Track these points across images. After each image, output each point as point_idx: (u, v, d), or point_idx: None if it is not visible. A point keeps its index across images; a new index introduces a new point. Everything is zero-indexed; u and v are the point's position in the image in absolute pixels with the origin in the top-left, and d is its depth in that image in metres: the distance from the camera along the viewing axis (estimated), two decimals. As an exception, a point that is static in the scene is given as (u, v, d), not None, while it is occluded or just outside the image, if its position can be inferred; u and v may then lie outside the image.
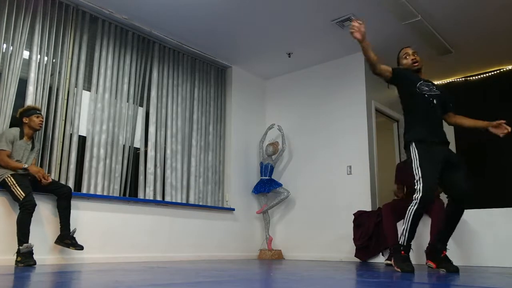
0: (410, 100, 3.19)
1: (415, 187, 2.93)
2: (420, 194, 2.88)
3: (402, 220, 4.43)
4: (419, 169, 2.92)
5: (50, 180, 3.76)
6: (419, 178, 2.90)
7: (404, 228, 3.02)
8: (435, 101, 3.10)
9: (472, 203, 3.05)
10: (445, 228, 3.20)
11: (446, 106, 3.25)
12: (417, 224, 3.01)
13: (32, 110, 3.78)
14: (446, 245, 3.13)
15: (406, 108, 3.23)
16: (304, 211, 5.81)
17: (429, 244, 4.04)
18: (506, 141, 5.82)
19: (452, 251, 4.22)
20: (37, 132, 3.91)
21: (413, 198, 2.94)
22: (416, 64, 3.19)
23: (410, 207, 2.96)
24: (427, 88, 3.14)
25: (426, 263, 3.68)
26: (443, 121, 3.27)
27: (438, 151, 3.01)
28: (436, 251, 3.15)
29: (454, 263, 3.10)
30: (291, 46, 5.60)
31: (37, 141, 4.00)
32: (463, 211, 3.08)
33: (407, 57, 3.24)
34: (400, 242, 3.04)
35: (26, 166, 3.65)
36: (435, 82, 3.61)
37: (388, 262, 4.08)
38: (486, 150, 5.95)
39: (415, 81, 3.15)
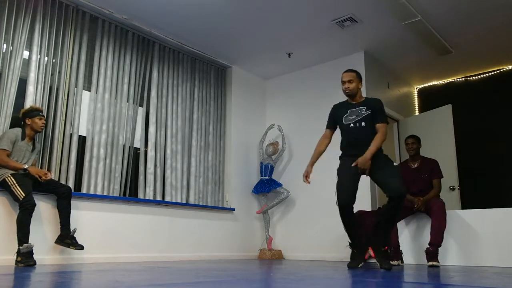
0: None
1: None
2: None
3: (403, 220, 4.49)
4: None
5: (50, 177, 3.74)
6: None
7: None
8: (360, 124, 3.45)
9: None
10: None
11: (374, 121, 3.48)
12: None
13: (35, 112, 3.75)
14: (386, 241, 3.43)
15: None
16: (304, 211, 5.81)
17: (429, 244, 4.06)
18: (506, 142, 5.85)
19: (452, 251, 4.25)
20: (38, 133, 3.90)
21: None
22: (347, 91, 3.51)
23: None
24: (354, 116, 3.48)
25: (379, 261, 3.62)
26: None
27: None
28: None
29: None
30: (291, 46, 5.60)
31: (38, 141, 4.00)
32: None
33: (342, 84, 3.54)
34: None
35: (26, 166, 3.65)
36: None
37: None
38: (487, 150, 5.95)
39: (341, 116, 3.53)
